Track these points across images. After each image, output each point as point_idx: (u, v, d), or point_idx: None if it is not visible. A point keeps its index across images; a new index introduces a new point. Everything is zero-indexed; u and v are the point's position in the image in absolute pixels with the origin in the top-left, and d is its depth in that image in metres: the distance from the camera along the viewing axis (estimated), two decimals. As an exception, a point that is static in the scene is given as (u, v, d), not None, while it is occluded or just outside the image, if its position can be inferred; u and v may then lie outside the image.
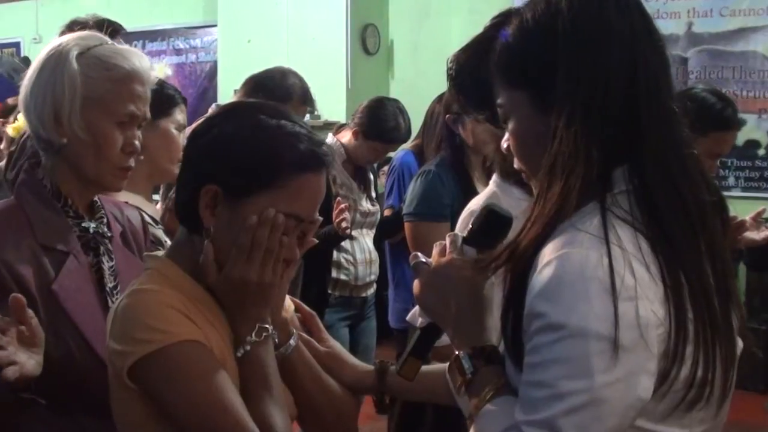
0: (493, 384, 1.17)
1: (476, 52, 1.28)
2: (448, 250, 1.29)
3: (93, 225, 1.70)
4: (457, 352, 1.24)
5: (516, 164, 1.26)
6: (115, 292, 1.67)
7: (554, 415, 1.03)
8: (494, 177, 2.20)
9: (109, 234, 1.72)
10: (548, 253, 1.08)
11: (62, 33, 2.23)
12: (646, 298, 1.05)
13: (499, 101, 1.23)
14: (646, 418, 1.08)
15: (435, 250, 1.31)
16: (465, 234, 1.31)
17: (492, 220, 1.30)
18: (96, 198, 1.75)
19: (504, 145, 1.26)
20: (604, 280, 1.03)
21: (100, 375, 1.56)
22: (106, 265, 1.69)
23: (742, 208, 2.81)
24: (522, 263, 1.13)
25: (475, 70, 1.28)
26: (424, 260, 1.31)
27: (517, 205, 1.40)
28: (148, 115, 1.74)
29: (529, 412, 1.06)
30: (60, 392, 1.53)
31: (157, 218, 2.23)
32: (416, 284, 1.30)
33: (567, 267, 1.05)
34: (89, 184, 1.70)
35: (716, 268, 1.16)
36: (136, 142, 1.70)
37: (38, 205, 1.63)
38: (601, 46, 1.13)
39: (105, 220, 1.74)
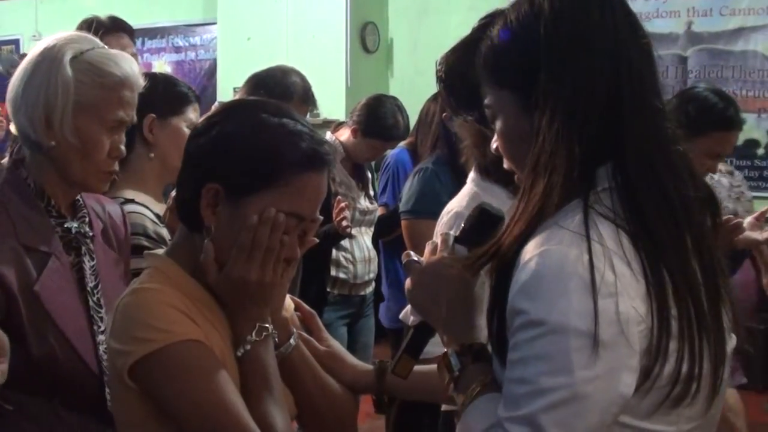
0: (479, 381, 1.18)
1: (465, 53, 1.30)
2: (439, 249, 1.30)
3: (75, 225, 1.71)
4: (445, 350, 1.25)
5: (506, 164, 1.27)
6: (95, 291, 1.69)
7: (535, 411, 1.03)
8: (472, 176, 2.18)
9: (90, 233, 1.74)
10: (530, 250, 1.09)
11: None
12: (626, 295, 1.05)
13: (486, 101, 1.25)
14: (631, 414, 1.09)
15: (427, 249, 1.33)
16: (457, 233, 1.32)
17: (484, 220, 1.31)
18: (78, 196, 1.76)
19: (494, 145, 1.28)
20: (583, 276, 1.04)
21: (81, 373, 1.60)
22: (87, 264, 1.70)
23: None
24: (506, 260, 1.14)
25: (463, 71, 1.30)
26: (415, 259, 1.33)
27: (501, 203, 1.41)
28: (135, 119, 1.75)
29: (511, 409, 1.06)
30: (42, 389, 1.56)
31: None
32: (408, 282, 1.31)
33: (547, 263, 1.06)
34: (74, 185, 1.71)
35: (704, 265, 1.17)
36: (122, 147, 1.72)
37: (21, 205, 1.64)
38: (583, 45, 1.14)
39: (87, 219, 1.75)
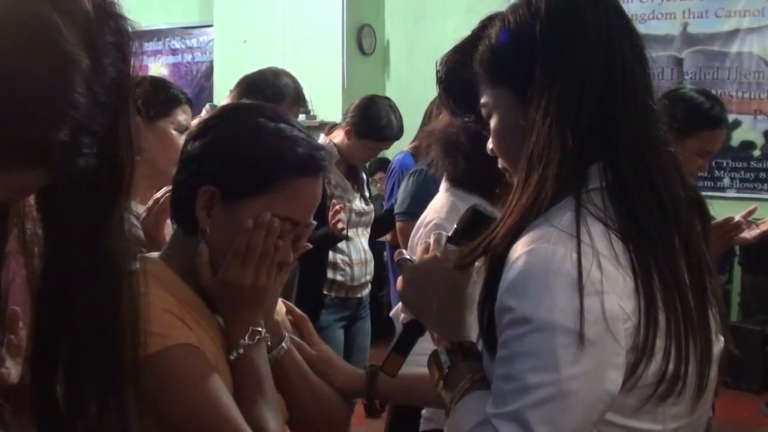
0: (468, 378, 1.19)
1: (464, 54, 1.32)
2: (431, 248, 1.32)
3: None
4: (435, 347, 1.26)
5: (500, 163, 1.29)
6: None
7: (522, 407, 1.04)
8: (445, 185, 2.16)
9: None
10: (519, 248, 1.10)
11: None
12: (613, 293, 1.06)
13: (482, 100, 1.26)
14: (616, 412, 1.09)
15: (419, 248, 1.34)
16: (449, 233, 1.33)
17: (476, 220, 1.32)
18: None
19: (489, 146, 1.29)
20: (570, 274, 1.05)
21: None
22: None
23: (737, 208, 2.82)
24: (497, 255, 1.15)
25: (463, 72, 1.31)
26: (408, 257, 1.34)
27: None
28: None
29: (498, 405, 1.08)
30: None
31: None
32: (399, 280, 1.32)
33: (534, 262, 1.08)
34: None
35: (692, 266, 1.18)
36: None
37: None
38: (576, 43, 1.17)
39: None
